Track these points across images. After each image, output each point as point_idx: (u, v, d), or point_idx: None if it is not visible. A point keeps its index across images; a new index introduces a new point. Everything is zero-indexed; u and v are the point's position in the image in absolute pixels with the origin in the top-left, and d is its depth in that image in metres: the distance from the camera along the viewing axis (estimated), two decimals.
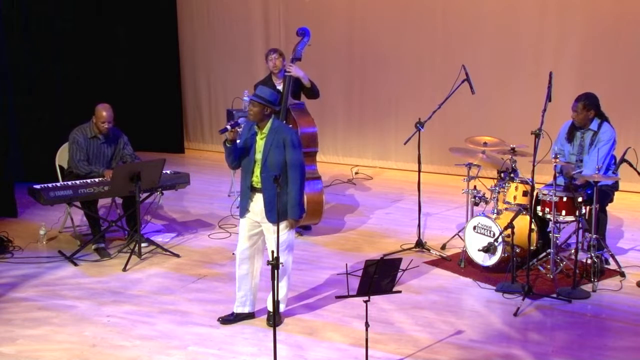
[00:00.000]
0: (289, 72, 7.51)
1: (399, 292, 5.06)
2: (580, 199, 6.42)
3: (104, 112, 7.23)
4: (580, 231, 6.49)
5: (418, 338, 5.58)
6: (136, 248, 7.07)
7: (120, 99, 10.60)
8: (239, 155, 5.64)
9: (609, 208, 6.98)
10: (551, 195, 6.44)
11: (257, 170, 5.59)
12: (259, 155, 5.57)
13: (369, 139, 10.68)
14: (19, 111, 9.38)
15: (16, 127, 9.31)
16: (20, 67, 9.35)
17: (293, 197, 5.58)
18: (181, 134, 11.84)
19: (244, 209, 5.69)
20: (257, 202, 5.62)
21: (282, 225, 5.59)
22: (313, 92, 7.67)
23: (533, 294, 6.17)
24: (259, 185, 5.60)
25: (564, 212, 6.51)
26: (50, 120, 9.45)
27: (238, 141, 5.63)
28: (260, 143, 5.59)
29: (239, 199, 5.82)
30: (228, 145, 5.58)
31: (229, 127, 5.56)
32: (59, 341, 5.60)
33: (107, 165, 7.36)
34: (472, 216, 6.97)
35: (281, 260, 5.01)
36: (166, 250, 7.27)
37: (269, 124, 5.58)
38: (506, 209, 6.81)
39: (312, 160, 7.61)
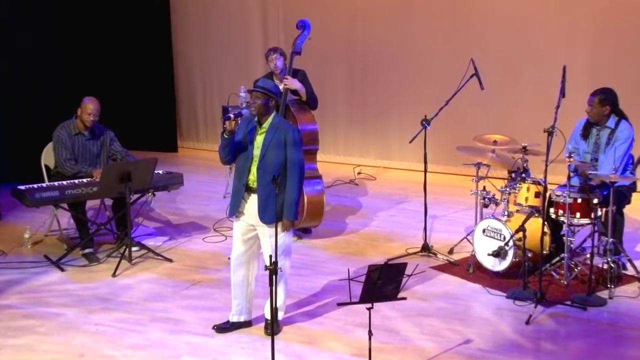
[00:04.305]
0: (285, 85, 7.49)
1: (404, 298, 5.06)
2: (595, 201, 6.40)
3: (90, 104, 7.25)
4: (596, 234, 6.45)
5: (424, 347, 5.56)
6: (126, 252, 7.06)
7: (111, 96, 10.59)
8: (234, 150, 5.59)
9: (627, 210, 6.96)
10: (565, 197, 6.42)
11: (254, 168, 5.55)
12: (257, 152, 5.54)
13: (371, 137, 10.68)
14: (3, 109, 9.38)
15: (0, 125, 9.31)
16: (4, 64, 9.34)
17: (290, 197, 5.53)
18: (174, 132, 11.85)
19: (234, 209, 5.63)
20: (252, 203, 5.58)
21: (278, 228, 5.55)
22: (309, 105, 7.67)
23: (546, 301, 6.15)
24: (254, 185, 5.56)
25: (578, 215, 6.49)
26: (36, 118, 9.45)
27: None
28: (259, 139, 5.55)
29: None
30: (226, 136, 5.53)
31: (232, 115, 5.51)
32: (45, 351, 5.57)
33: (95, 163, 7.35)
34: (481, 219, 6.96)
35: (278, 265, 4.98)
36: (158, 254, 7.26)
37: (269, 119, 5.56)
38: (517, 211, 6.80)
39: (313, 158, 7.61)
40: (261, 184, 5.50)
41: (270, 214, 5.44)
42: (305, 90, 7.60)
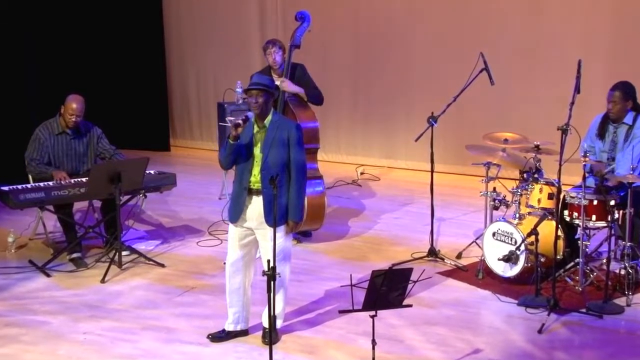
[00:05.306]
0: (282, 88, 7.47)
1: (410, 306, 5.06)
2: (612, 202, 6.39)
3: (74, 103, 7.23)
4: (613, 238, 6.47)
5: (431, 357, 5.56)
6: (116, 257, 7.05)
7: (100, 93, 10.64)
8: (236, 155, 5.59)
9: None
10: (580, 198, 6.41)
11: (256, 170, 5.53)
12: (258, 152, 5.52)
13: (375, 135, 10.67)
14: None
15: None
16: None
17: (295, 197, 5.55)
18: (166, 130, 11.84)
19: (236, 215, 5.61)
20: (254, 206, 5.57)
21: (280, 230, 5.56)
22: (314, 101, 7.68)
23: (559, 308, 6.14)
24: (257, 186, 5.55)
25: (594, 217, 6.49)
26: (22, 117, 9.44)
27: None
28: (259, 138, 5.54)
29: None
30: (232, 142, 5.47)
31: (241, 121, 5.42)
32: None
33: (81, 162, 7.35)
34: (491, 221, 6.95)
35: (277, 270, 4.99)
36: (150, 259, 7.26)
37: (269, 117, 5.56)
38: (529, 213, 6.79)
39: (313, 157, 7.60)
40: (265, 185, 5.47)
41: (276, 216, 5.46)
42: (304, 91, 7.59)
